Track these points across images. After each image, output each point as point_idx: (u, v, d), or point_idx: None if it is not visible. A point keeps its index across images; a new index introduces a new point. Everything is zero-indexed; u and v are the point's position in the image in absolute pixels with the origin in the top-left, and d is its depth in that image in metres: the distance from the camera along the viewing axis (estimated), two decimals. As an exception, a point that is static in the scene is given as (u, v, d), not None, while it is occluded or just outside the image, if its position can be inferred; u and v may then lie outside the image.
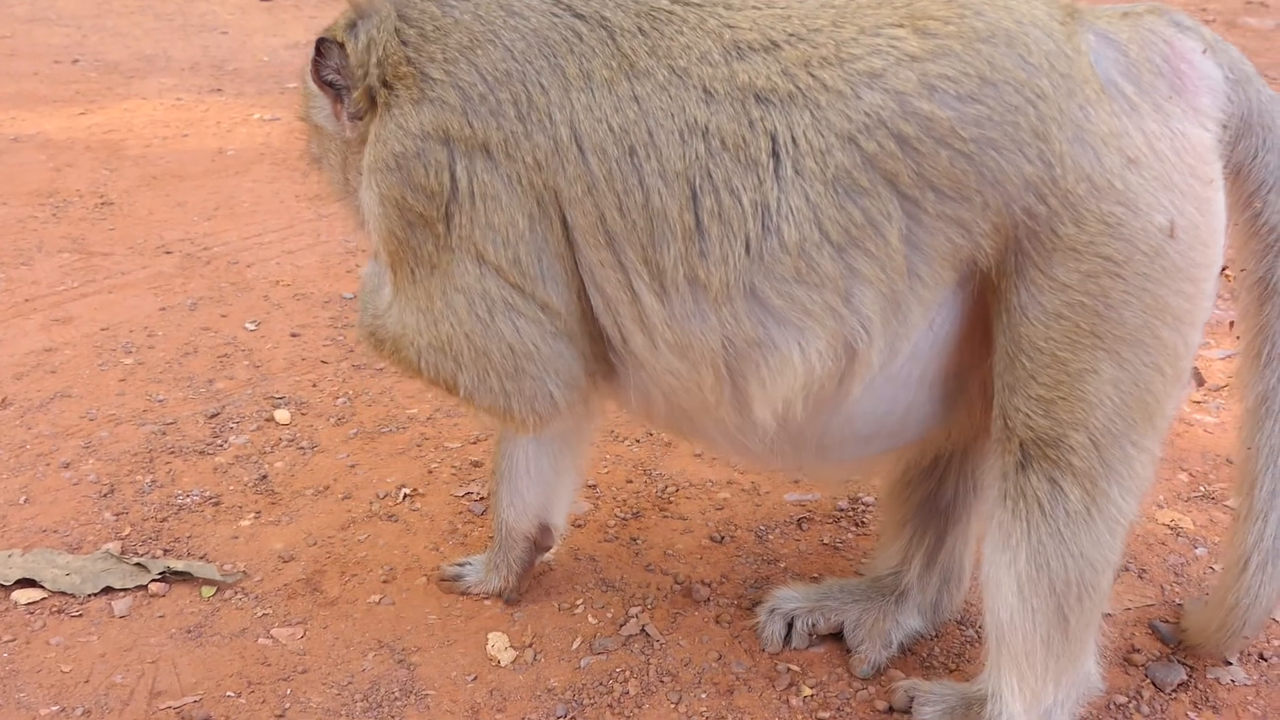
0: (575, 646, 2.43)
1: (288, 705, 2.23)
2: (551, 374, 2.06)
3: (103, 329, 3.87)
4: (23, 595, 2.53)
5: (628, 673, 2.35)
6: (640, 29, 1.92)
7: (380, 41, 2.04)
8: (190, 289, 4.22)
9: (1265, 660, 2.42)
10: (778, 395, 1.92)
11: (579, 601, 2.57)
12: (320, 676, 2.32)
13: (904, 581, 2.44)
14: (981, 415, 2.10)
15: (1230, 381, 3.65)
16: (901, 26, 1.82)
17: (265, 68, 8.15)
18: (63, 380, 3.52)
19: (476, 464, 3.11)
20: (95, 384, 3.51)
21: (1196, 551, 2.79)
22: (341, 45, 2.10)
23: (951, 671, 2.40)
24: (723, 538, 2.82)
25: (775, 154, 1.81)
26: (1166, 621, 2.52)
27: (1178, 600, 2.60)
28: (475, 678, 2.33)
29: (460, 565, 2.64)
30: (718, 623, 2.51)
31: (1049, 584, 1.93)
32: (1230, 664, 2.40)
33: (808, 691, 2.31)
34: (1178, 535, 2.85)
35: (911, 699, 2.24)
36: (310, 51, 2.11)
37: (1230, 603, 2.19)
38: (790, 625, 2.44)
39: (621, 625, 2.49)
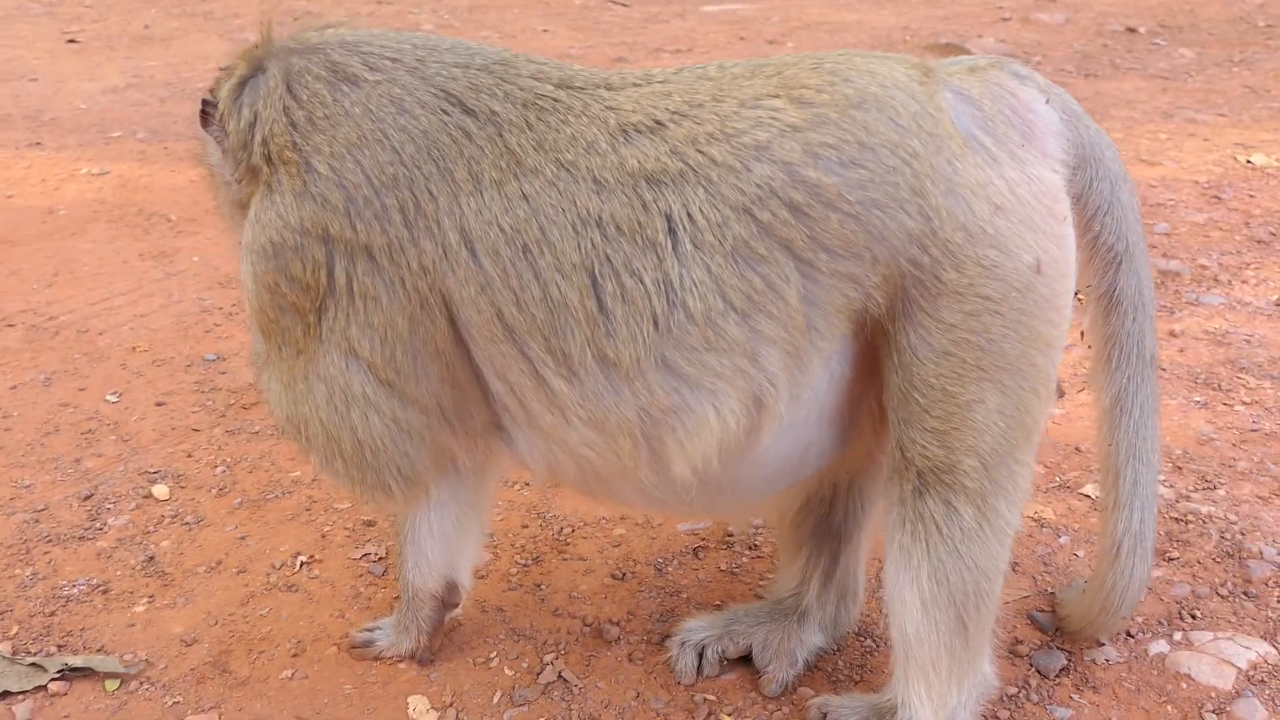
0: (496, 701, 2.45)
1: (213, 795, 2.20)
2: (393, 470, 2.13)
3: (-49, 414, 3.68)
4: (-91, 712, 2.41)
5: (557, 720, 2.39)
6: (527, 122, 1.95)
7: (266, 119, 2.01)
8: (40, 363, 4.03)
9: (1133, 637, 2.63)
10: (696, 454, 1.99)
11: (493, 654, 2.59)
12: (242, 761, 2.29)
13: (804, 601, 2.55)
14: (869, 443, 2.24)
15: (1069, 375, 3.92)
16: (778, 97, 1.91)
17: (84, 116, 7.79)
18: (-85, 474, 3.34)
19: (370, 523, 3.08)
20: (-48, 475, 3.34)
21: (1060, 540, 3.00)
22: (223, 115, 2.08)
23: (857, 683, 2.52)
24: (624, 574, 2.88)
25: (672, 232, 1.88)
26: (1043, 611, 2.71)
27: (1049, 589, 2.80)
28: (401, 743, 2.33)
29: (370, 630, 2.62)
30: (631, 660, 2.57)
31: (949, 596, 2.06)
32: (1103, 644, 2.59)
33: (726, 719, 2.39)
34: (1042, 526, 3.06)
35: (825, 714, 2.35)
36: (196, 106, 2.13)
37: (1108, 586, 2.38)
38: (701, 654, 2.51)
39: (538, 674, 2.53)
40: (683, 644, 2.53)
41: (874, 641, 2.64)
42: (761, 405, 1.96)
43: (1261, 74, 9.08)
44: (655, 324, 1.89)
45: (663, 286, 1.88)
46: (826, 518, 2.51)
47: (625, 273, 1.88)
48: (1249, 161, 6.47)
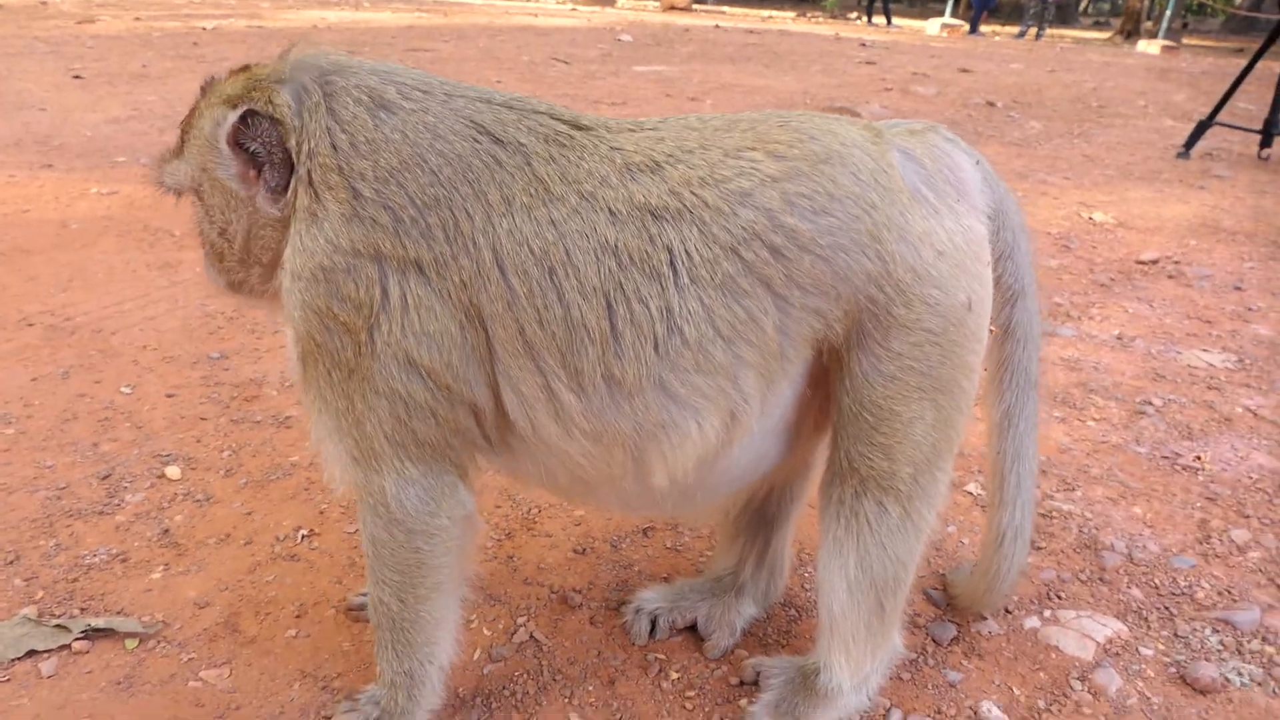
0: (476, 657, 2.43)
1: (228, 741, 2.14)
2: (453, 459, 1.98)
3: (-23, 401, 3.53)
4: (-55, 666, 2.30)
5: (524, 675, 2.37)
6: (550, 155, 1.87)
7: (313, 135, 1.83)
8: (59, 359, 3.88)
9: (1010, 613, 2.69)
10: (676, 465, 1.96)
11: (473, 617, 2.56)
12: (253, 711, 2.22)
13: (741, 579, 2.56)
14: (806, 450, 2.26)
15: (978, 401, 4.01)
16: (755, 150, 1.90)
17: (90, 143, 7.54)
18: (-55, 454, 3.19)
19: (361, 503, 3.02)
20: (-21, 455, 3.20)
21: (949, 529, 3.06)
22: (277, 121, 1.85)
23: (783, 645, 2.54)
24: (584, 549, 2.87)
25: (673, 265, 1.83)
26: (936, 589, 2.76)
27: (940, 571, 2.85)
28: (394, 695, 2.29)
29: (364, 595, 2.56)
30: (592, 623, 2.56)
31: (871, 582, 2.09)
32: (986, 619, 2.65)
33: (675, 675, 2.40)
34: (933, 517, 3.12)
35: (758, 673, 2.37)
36: (232, 117, 1.84)
37: (993, 570, 2.44)
38: (654, 623, 2.51)
39: (512, 634, 2.51)
40: (637, 611, 2.53)
41: (796, 611, 2.67)
42: (736, 421, 1.95)
43: (1096, 145, 9.42)
44: (655, 347, 1.85)
45: (664, 313, 1.84)
46: (761, 509, 2.53)
47: (635, 299, 1.83)
48: (1091, 218, 6.70)
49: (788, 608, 2.68)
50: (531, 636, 2.50)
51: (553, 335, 1.84)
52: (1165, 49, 21.24)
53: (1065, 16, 34.88)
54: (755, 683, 2.37)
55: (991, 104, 11.63)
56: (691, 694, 2.34)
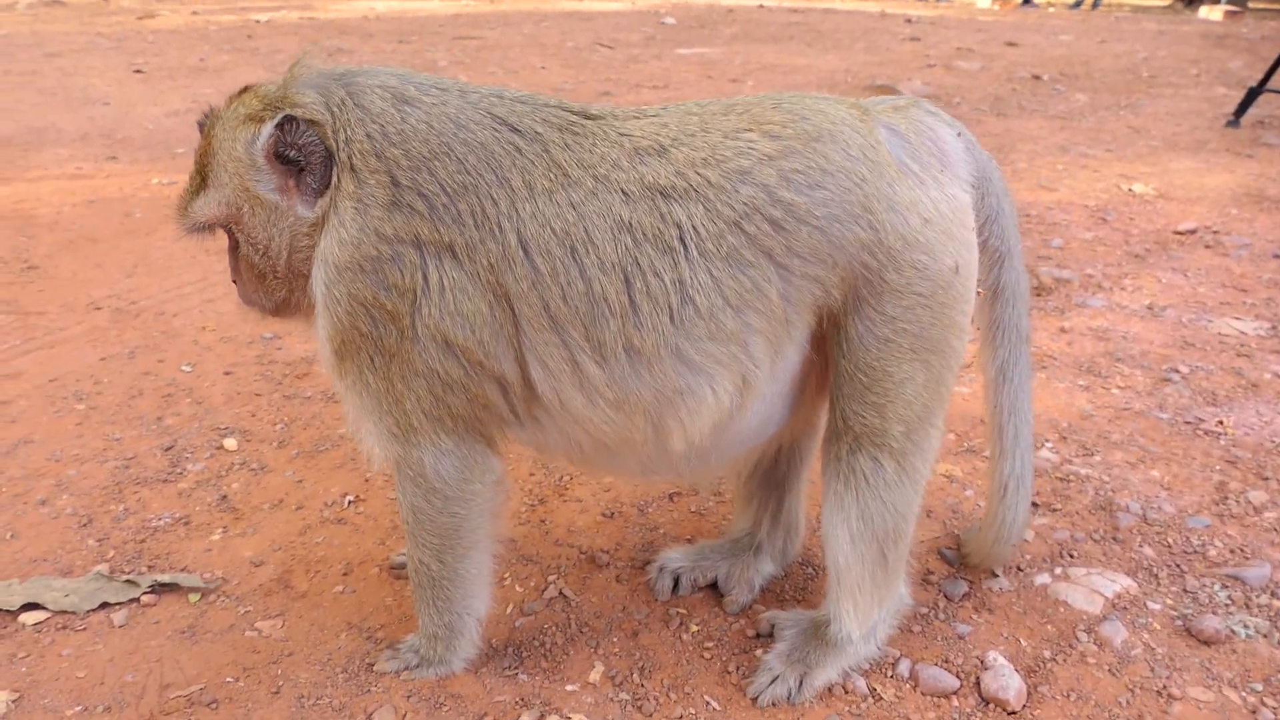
0: (509, 611, 2.59)
1: (280, 683, 2.31)
2: (482, 430, 2.11)
3: (51, 380, 3.77)
4: (29, 617, 2.51)
5: (553, 628, 2.52)
6: (565, 143, 1.97)
7: (347, 124, 1.92)
8: (125, 340, 4.13)
9: (1021, 570, 2.77)
10: (694, 429, 2.07)
11: (506, 575, 2.72)
12: (304, 657, 2.40)
13: (758, 539, 2.68)
14: (810, 411, 2.36)
15: (974, 361, 4.07)
16: (752, 131, 2.00)
17: (152, 135, 7.84)
18: (23, 429, 3.43)
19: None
20: (54, 429, 3.43)
21: (966, 493, 3.15)
22: (313, 123, 1.94)
23: (799, 601, 2.66)
24: (612, 513, 3.02)
25: (683, 240, 1.94)
26: (950, 549, 2.85)
27: (956, 531, 2.94)
28: (432, 644, 2.45)
29: (404, 555, 2.73)
30: (618, 581, 2.71)
31: (873, 534, 2.20)
32: (997, 575, 2.74)
33: (695, 628, 2.53)
34: (952, 482, 3.21)
35: (773, 625, 2.49)
36: (270, 128, 1.93)
37: (999, 521, 2.53)
38: (677, 580, 2.65)
39: (543, 591, 2.66)
40: (661, 569, 2.67)
41: (813, 569, 2.78)
42: (748, 385, 2.05)
43: (1143, 116, 9.28)
44: (671, 317, 1.94)
45: (678, 285, 1.93)
46: (771, 470, 2.64)
47: (650, 273, 1.93)
48: (1130, 190, 6.65)
49: (805, 566, 2.80)
50: (561, 593, 2.65)
51: (576, 310, 1.95)
52: (1228, 14, 20.55)
53: (1122, -16, 33.91)
54: (770, 634, 2.49)
55: (1037, 77, 11.48)
56: (710, 645, 2.48)
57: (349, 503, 3.04)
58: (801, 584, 2.74)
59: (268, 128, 1.93)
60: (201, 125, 2.10)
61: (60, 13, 16.55)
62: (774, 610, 2.57)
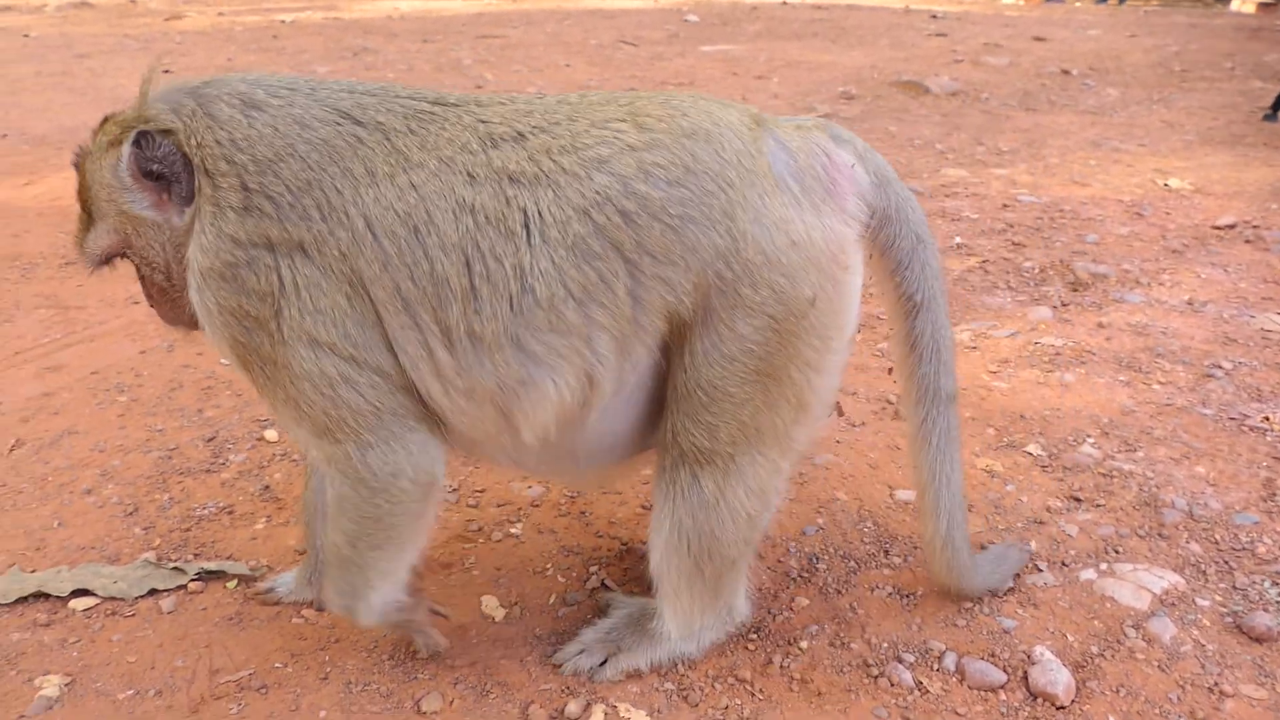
0: (551, 601, 2.60)
1: (329, 669, 2.34)
2: (410, 420, 2.04)
3: (93, 373, 3.82)
4: (79, 604, 2.55)
5: (595, 617, 2.52)
6: (410, 129, 1.96)
7: (197, 131, 1.93)
8: (164, 333, 4.17)
9: (1065, 565, 2.75)
10: (538, 422, 2.03)
11: (549, 566, 2.74)
12: (350, 644, 2.42)
13: None
14: None
15: (1013, 356, 4.06)
16: (624, 121, 1.98)
17: (183, 132, 7.91)
18: (67, 420, 3.48)
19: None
20: (97, 421, 3.48)
21: (1007, 488, 3.13)
22: (168, 132, 1.94)
23: (845, 590, 2.66)
24: (651, 505, 3.01)
25: (526, 225, 1.91)
26: (992, 544, 2.84)
27: (1000, 528, 2.92)
28: (476, 632, 2.48)
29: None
30: (660, 573, 2.71)
31: (686, 548, 2.18)
32: (1042, 570, 2.72)
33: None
34: (993, 477, 3.19)
35: (609, 605, 2.52)
36: (128, 147, 1.94)
37: (945, 571, 2.49)
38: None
39: (585, 581, 2.68)
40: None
41: (855, 564, 2.78)
42: (593, 383, 2.01)
43: (1176, 111, 9.21)
44: (510, 305, 1.92)
45: (518, 272, 1.91)
46: None
47: (490, 256, 1.90)
48: (1166, 184, 6.60)
49: (847, 559, 2.80)
50: (603, 584, 2.66)
51: (424, 291, 1.92)
52: (1261, 6, 20.25)
53: (1150, -20, 33.60)
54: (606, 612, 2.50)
55: (1066, 72, 11.40)
56: (754, 637, 2.48)
57: (390, 493, 3.05)
58: (844, 577, 2.73)
59: (126, 148, 1.94)
60: (75, 165, 2.11)
61: (89, 15, 16.76)
62: (615, 592, 2.60)
